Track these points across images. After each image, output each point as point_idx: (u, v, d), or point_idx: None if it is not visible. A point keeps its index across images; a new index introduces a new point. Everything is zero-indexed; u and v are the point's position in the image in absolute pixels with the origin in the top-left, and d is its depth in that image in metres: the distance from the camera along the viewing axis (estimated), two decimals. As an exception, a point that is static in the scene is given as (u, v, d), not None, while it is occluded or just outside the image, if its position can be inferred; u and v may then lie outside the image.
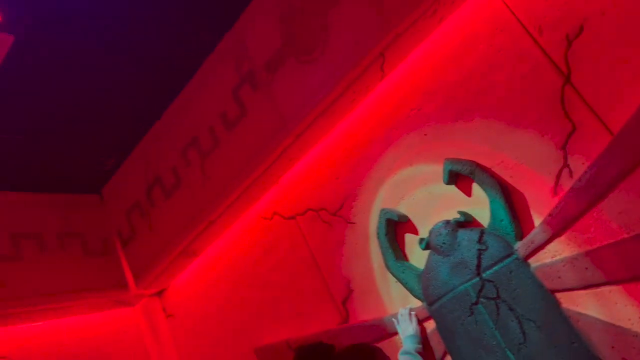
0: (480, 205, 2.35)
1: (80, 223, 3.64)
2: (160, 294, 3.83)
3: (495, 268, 2.24)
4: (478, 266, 2.28)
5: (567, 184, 2.12)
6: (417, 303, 2.52)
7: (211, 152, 3.17)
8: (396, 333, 2.55)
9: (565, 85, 2.16)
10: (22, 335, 3.18)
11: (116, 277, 3.60)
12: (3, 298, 2.99)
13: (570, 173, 2.13)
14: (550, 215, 2.13)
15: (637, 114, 1.94)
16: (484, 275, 2.26)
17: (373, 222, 2.73)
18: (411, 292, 2.53)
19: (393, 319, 2.55)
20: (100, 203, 3.85)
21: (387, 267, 2.62)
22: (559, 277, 2.11)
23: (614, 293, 1.99)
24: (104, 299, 3.51)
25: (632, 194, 1.95)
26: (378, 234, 2.64)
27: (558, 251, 2.13)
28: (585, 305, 2.06)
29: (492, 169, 2.33)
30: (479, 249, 2.28)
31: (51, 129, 3.14)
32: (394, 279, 2.61)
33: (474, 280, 2.28)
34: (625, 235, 1.97)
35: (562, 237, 2.12)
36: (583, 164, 2.08)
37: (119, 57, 2.91)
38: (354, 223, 2.82)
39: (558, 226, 2.11)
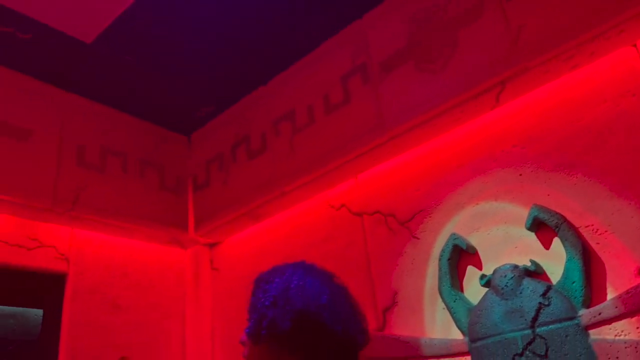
0: (555, 260, 2.28)
1: (164, 157, 3.83)
2: (212, 245, 3.97)
3: (551, 326, 2.16)
4: (534, 319, 2.21)
5: (655, 268, 2.03)
6: (458, 335, 2.48)
7: (304, 129, 3.24)
8: (427, 357, 2.53)
9: (686, 169, 2.05)
10: (84, 240, 3.39)
11: (179, 217, 3.77)
12: (83, 204, 3.21)
13: (662, 258, 2.03)
14: (627, 292, 2.04)
15: None
16: (537, 329, 2.19)
17: (438, 244, 2.70)
18: (456, 323, 2.49)
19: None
20: (186, 145, 4.03)
21: (440, 291, 2.59)
22: (617, 358, 2.02)
23: (672, 393, 1.89)
24: (162, 232, 3.67)
25: None
26: (441, 256, 2.62)
27: (624, 331, 2.03)
28: (636, 394, 1.96)
29: (580, 230, 2.25)
30: (540, 303, 2.21)
31: (164, 62, 3.32)
32: (442, 305, 2.59)
33: (525, 332, 2.22)
34: None
35: (633, 319, 2.02)
36: (680, 253, 1.98)
37: (250, 14, 3.03)
38: (418, 239, 2.81)
39: (633, 307, 2.01)
